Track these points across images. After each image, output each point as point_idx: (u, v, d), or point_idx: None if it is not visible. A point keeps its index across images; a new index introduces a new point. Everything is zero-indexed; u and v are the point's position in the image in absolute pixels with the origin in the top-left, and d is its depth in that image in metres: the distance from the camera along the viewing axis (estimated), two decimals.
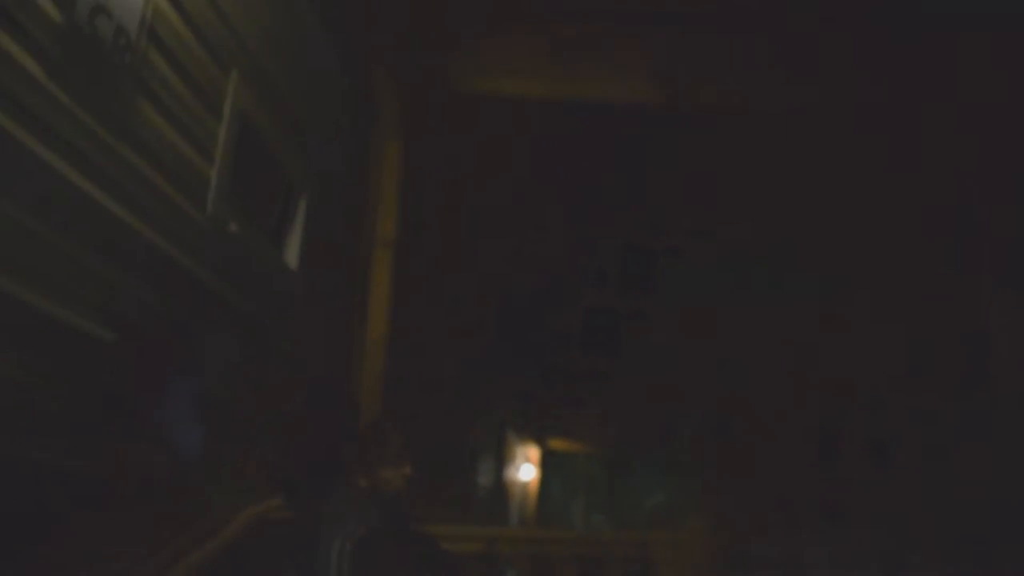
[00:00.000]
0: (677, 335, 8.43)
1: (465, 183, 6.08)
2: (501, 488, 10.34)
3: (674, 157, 6.58)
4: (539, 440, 11.97)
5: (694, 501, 9.40)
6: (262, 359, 3.77)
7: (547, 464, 12.47)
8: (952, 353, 6.38)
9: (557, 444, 12.43)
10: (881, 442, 7.45)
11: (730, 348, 8.11)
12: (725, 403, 8.42)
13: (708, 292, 8.01)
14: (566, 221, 7.41)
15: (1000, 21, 4.96)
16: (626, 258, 8.30)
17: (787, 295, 7.68)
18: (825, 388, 7.74)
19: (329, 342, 4.45)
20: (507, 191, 6.42)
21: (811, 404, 7.91)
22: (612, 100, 5.93)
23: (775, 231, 7.42)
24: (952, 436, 6.25)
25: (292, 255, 4.08)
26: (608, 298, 8.58)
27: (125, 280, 2.88)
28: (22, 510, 2.18)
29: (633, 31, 5.33)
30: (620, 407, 9.93)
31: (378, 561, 2.90)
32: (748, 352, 7.97)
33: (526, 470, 11.36)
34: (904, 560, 4.90)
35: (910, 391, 6.94)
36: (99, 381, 2.66)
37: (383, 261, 4.74)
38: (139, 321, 2.88)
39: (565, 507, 13.20)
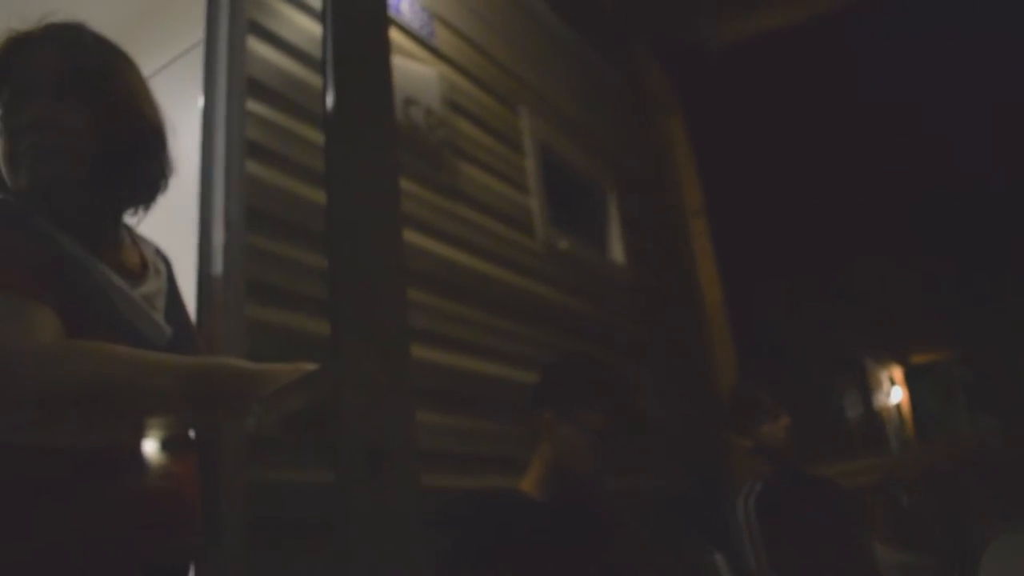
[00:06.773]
0: None
1: (763, 134, 5.82)
2: (873, 416, 9.96)
3: None
4: (900, 359, 11.33)
5: None
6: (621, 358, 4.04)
7: (913, 380, 11.76)
8: None
9: (920, 358, 11.67)
10: None
11: None
12: None
13: None
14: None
15: None
16: None
17: None
18: None
19: (670, 324, 4.64)
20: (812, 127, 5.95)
21: None
22: None
23: None
24: None
25: (617, 252, 4.35)
26: None
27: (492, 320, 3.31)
28: None
29: None
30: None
31: (782, 506, 3.02)
32: None
33: (894, 393, 10.82)
34: None
35: None
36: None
37: (699, 230, 4.84)
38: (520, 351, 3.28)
39: (943, 420, 12.30)
